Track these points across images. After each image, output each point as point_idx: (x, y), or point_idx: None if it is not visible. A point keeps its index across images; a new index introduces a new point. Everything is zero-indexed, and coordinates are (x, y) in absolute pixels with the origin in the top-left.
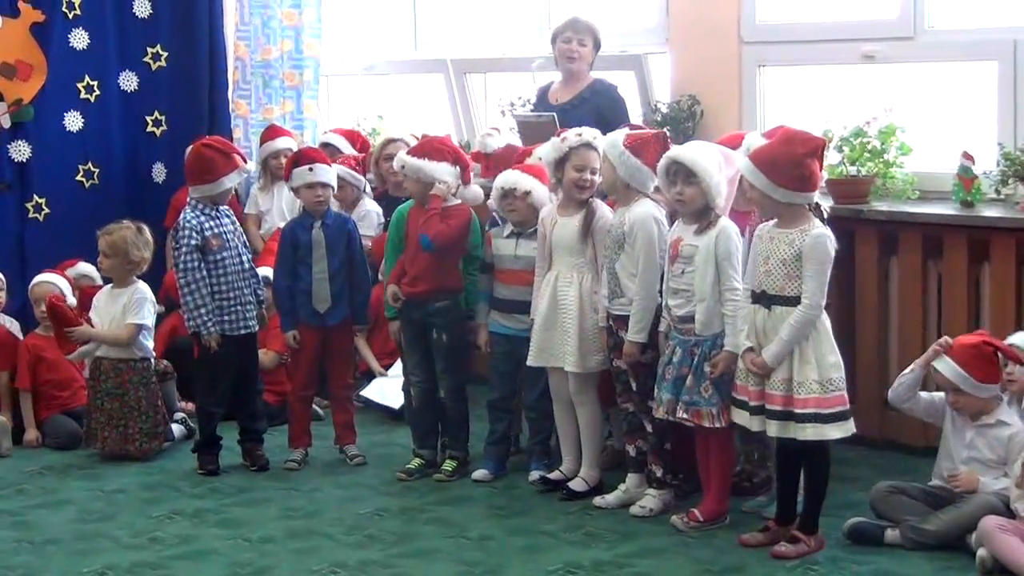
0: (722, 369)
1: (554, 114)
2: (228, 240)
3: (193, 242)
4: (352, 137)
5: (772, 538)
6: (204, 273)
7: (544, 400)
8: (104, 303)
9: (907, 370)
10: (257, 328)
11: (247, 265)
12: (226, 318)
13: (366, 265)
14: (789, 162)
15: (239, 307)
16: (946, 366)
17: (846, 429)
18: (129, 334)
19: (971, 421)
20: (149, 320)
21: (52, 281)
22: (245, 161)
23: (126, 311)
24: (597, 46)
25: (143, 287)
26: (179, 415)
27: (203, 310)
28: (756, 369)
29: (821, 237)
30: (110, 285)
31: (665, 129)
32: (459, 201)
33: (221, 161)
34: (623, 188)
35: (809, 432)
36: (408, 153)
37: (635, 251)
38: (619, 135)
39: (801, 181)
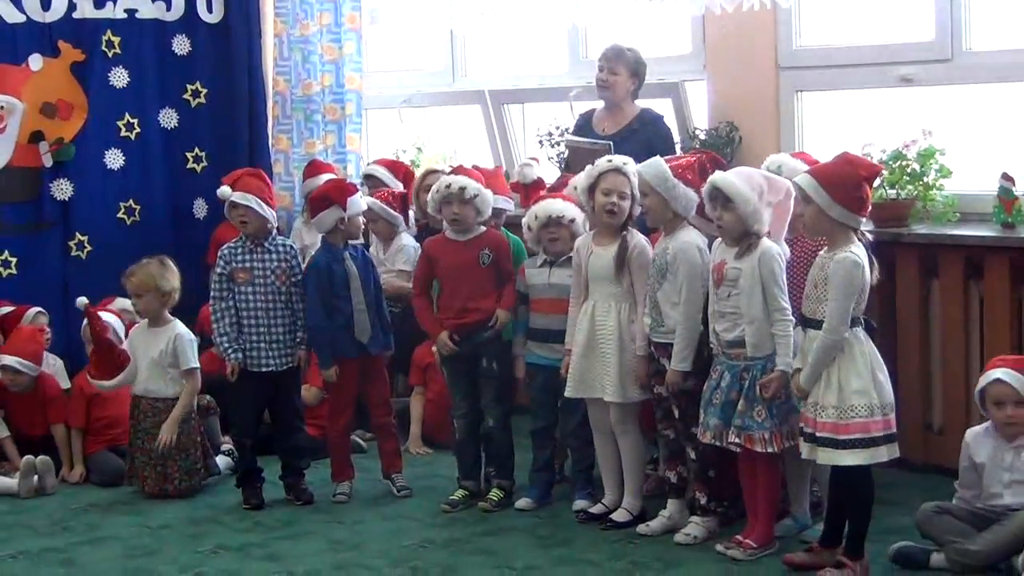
0: (774, 389)
1: (610, 142)
2: (261, 276)
3: (219, 270)
4: (395, 168)
5: (816, 560)
6: (230, 303)
7: (584, 428)
8: (142, 341)
9: None
10: (288, 367)
11: (282, 303)
12: (246, 353)
13: (382, 289)
14: (851, 182)
15: (262, 344)
16: (1012, 377)
17: (867, 457)
18: (193, 385)
19: (1009, 443)
20: (196, 360)
21: (107, 320)
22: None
23: (175, 357)
24: (635, 75)
25: (181, 328)
26: (225, 447)
27: (224, 338)
28: (796, 391)
29: (844, 260)
30: (145, 322)
31: (709, 155)
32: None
33: None
34: (670, 217)
35: (822, 456)
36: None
37: (678, 280)
38: (661, 165)
39: (858, 203)
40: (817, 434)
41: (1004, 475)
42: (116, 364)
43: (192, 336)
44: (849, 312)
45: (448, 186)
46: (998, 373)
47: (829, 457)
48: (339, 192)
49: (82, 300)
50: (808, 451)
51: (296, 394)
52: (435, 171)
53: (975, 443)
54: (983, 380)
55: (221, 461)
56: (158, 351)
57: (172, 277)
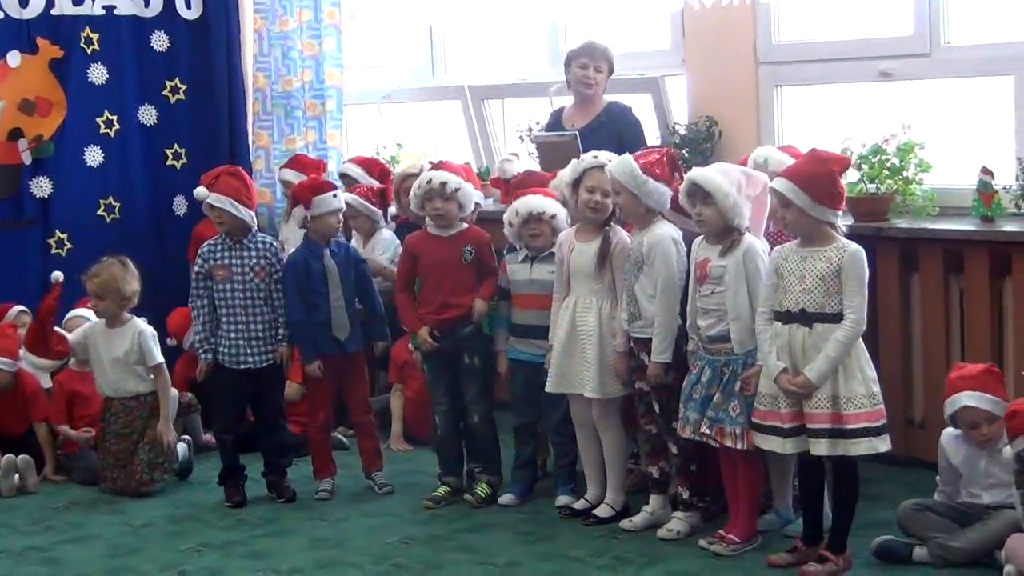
0: (755, 385)
1: (576, 133)
2: (239, 273)
3: (197, 269)
4: (370, 165)
5: (800, 558)
6: (206, 301)
7: (566, 423)
8: (102, 341)
9: None
10: (268, 364)
11: (261, 300)
12: (223, 350)
13: (373, 283)
14: (826, 179)
15: (241, 341)
16: (978, 399)
17: (888, 442)
18: (164, 380)
19: (981, 450)
20: (160, 355)
21: (86, 316)
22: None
23: (142, 354)
24: (611, 71)
25: (142, 325)
26: (186, 437)
27: (198, 336)
28: (798, 388)
29: (859, 253)
30: (102, 322)
31: (672, 149)
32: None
33: None
34: (643, 212)
35: (863, 447)
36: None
37: (654, 273)
38: (631, 163)
39: (836, 198)
40: (848, 427)
41: (980, 479)
42: (47, 346)
43: (153, 331)
44: (866, 302)
45: (430, 181)
46: (964, 399)
47: (871, 446)
48: (305, 191)
49: (57, 275)
50: (829, 447)
51: (279, 392)
52: (412, 175)
53: (949, 446)
54: (950, 406)
55: (179, 448)
56: (122, 351)
57: (133, 280)
